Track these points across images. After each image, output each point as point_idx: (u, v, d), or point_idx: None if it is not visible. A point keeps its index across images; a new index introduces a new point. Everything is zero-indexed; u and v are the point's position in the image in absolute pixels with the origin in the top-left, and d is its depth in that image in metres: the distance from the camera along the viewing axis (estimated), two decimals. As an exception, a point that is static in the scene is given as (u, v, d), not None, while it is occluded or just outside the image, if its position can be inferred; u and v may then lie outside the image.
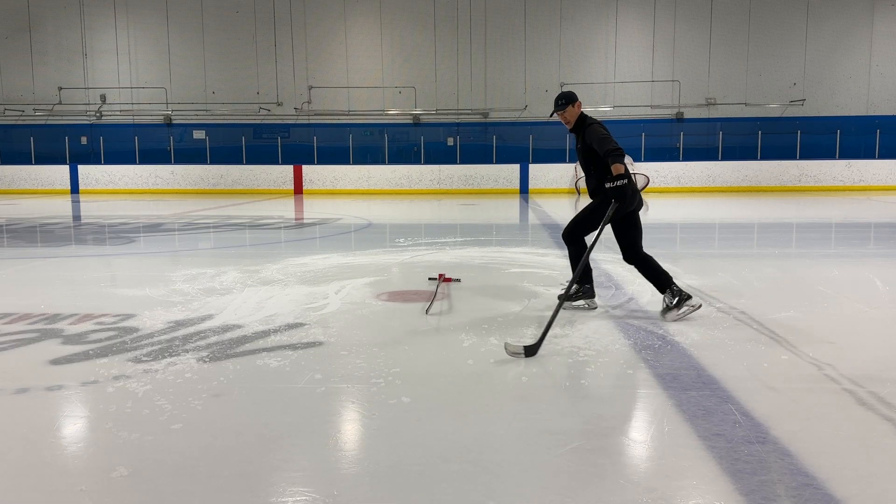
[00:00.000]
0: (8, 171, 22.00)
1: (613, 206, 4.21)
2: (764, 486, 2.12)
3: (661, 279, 4.36)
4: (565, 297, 4.23)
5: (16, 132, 22.66)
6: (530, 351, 3.51)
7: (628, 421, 2.74)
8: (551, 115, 4.65)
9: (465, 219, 12.34)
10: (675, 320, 4.24)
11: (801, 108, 20.98)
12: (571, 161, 20.76)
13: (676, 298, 4.27)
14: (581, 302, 4.64)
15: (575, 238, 4.59)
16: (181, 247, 8.57)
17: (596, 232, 4.36)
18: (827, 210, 13.64)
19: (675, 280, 4.42)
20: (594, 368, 3.32)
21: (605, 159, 4.20)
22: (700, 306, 4.33)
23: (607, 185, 4.20)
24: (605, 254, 7.00)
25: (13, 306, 4.78)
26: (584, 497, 2.07)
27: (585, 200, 4.74)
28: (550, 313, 4.44)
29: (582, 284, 4.60)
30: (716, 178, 20.49)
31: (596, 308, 4.64)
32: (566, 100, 4.44)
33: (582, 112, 4.53)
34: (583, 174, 4.60)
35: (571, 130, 4.55)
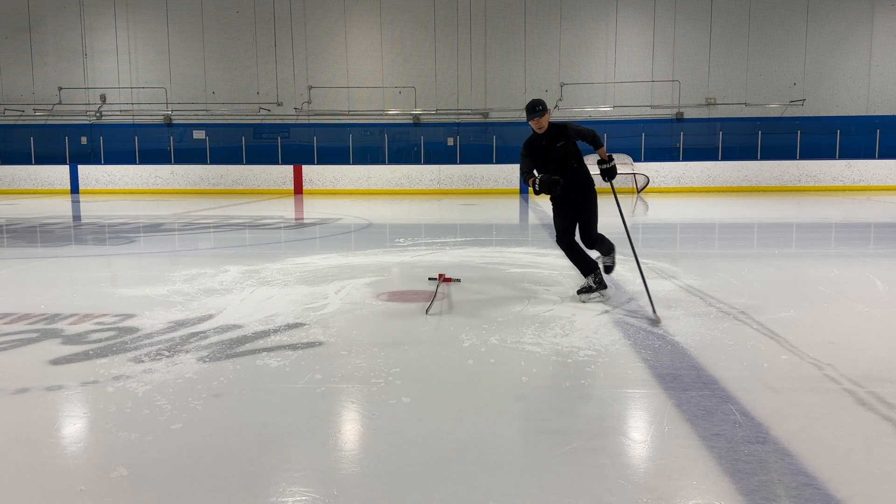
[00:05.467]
0: (8, 171, 21.99)
1: (611, 183, 4.90)
2: (764, 486, 2.12)
3: (588, 264, 4.96)
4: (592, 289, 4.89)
5: (16, 132, 22.66)
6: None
7: (628, 421, 2.74)
8: (528, 121, 4.85)
9: (465, 219, 12.34)
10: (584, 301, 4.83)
11: (801, 108, 20.97)
12: (571, 161, 20.72)
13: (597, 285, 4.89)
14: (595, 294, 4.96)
15: (597, 237, 4.96)
16: (181, 247, 8.57)
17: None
18: (827, 210, 13.64)
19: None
20: (594, 368, 3.32)
21: (598, 143, 4.77)
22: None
23: (604, 167, 4.84)
24: (605, 254, 6.98)
25: (13, 306, 4.78)
26: (584, 497, 2.07)
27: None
28: (551, 313, 4.46)
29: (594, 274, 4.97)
30: (716, 178, 20.49)
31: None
32: (543, 106, 4.75)
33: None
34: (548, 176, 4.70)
35: (542, 135, 4.83)
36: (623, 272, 5.89)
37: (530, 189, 4.77)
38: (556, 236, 4.98)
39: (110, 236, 9.66)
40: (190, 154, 22.35)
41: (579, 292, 4.90)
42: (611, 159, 4.85)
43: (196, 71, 22.08)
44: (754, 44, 20.98)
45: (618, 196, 5.15)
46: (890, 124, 20.94)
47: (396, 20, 21.56)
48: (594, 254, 5.03)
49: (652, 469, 2.28)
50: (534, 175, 4.77)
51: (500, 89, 21.55)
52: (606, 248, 4.93)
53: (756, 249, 8.20)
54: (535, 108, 4.72)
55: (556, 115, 21.43)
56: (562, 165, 4.83)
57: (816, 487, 2.11)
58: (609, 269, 4.98)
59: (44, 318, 4.41)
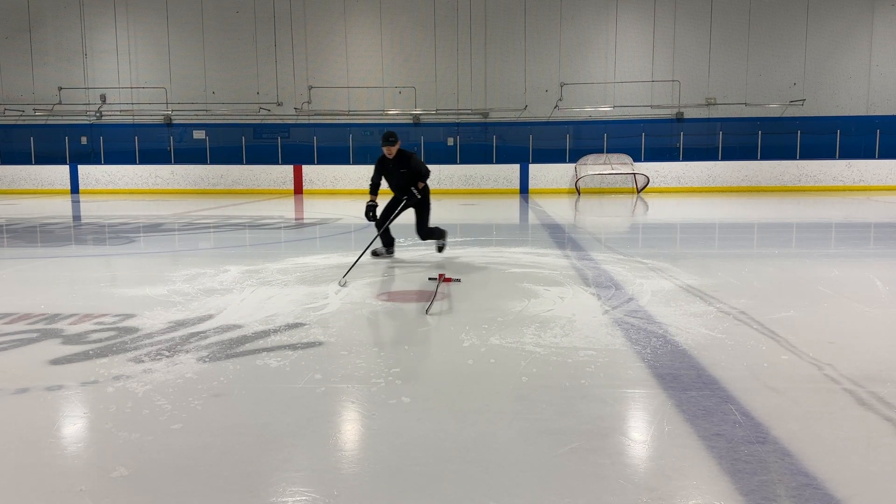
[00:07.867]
0: (8, 171, 22.00)
1: (415, 200, 6.81)
2: (764, 486, 2.12)
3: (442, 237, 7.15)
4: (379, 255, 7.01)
5: (16, 132, 22.66)
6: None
7: (628, 421, 2.74)
8: (383, 147, 6.74)
9: (465, 219, 12.35)
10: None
11: (801, 108, 20.98)
12: (571, 161, 20.76)
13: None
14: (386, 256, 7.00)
15: (428, 232, 7.03)
16: (181, 247, 8.57)
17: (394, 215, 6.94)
18: (827, 210, 13.64)
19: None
20: (594, 368, 3.32)
21: (425, 178, 6.83)
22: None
23: (419, 187, 6.80)
24: (606, 254, 6.99)
25: (13, 306, 4.78)
26: (584, 497, 2.07)
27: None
28: (551, 314, 4.46)
29: (390, 247, 7.09)
30: (716, 178, 20.49)
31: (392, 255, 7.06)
32: (395, 138, 6.71)
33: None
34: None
35: (391, 159, 6.76)
36: (623, 272, 5.89)
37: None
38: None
39: (110, 236, 9.66)
40: (190, 154, 22.35)
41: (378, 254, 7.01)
42: (416, 193, 6.78)
43: (196, 71, 22.08)
44: (754, 44, 20.98)
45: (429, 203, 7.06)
46: (890, 124, 20.94)
47: (396, 20, 21.57)
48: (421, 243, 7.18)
49: (652, 469, 2.28)
50: (372, 197, 6.91)
51: (500, 89, 21.55)
52: (438, 235, 7.09)
53: (756, 249, 8.20)
54: (388, 138, 6.68)
55: (556, 116, 21.46)
56: (403, 183, 6.79)
57: (816, 487, 2.11)
58: (441, 249, 7.19)
59: (44, 318, 4.41)
